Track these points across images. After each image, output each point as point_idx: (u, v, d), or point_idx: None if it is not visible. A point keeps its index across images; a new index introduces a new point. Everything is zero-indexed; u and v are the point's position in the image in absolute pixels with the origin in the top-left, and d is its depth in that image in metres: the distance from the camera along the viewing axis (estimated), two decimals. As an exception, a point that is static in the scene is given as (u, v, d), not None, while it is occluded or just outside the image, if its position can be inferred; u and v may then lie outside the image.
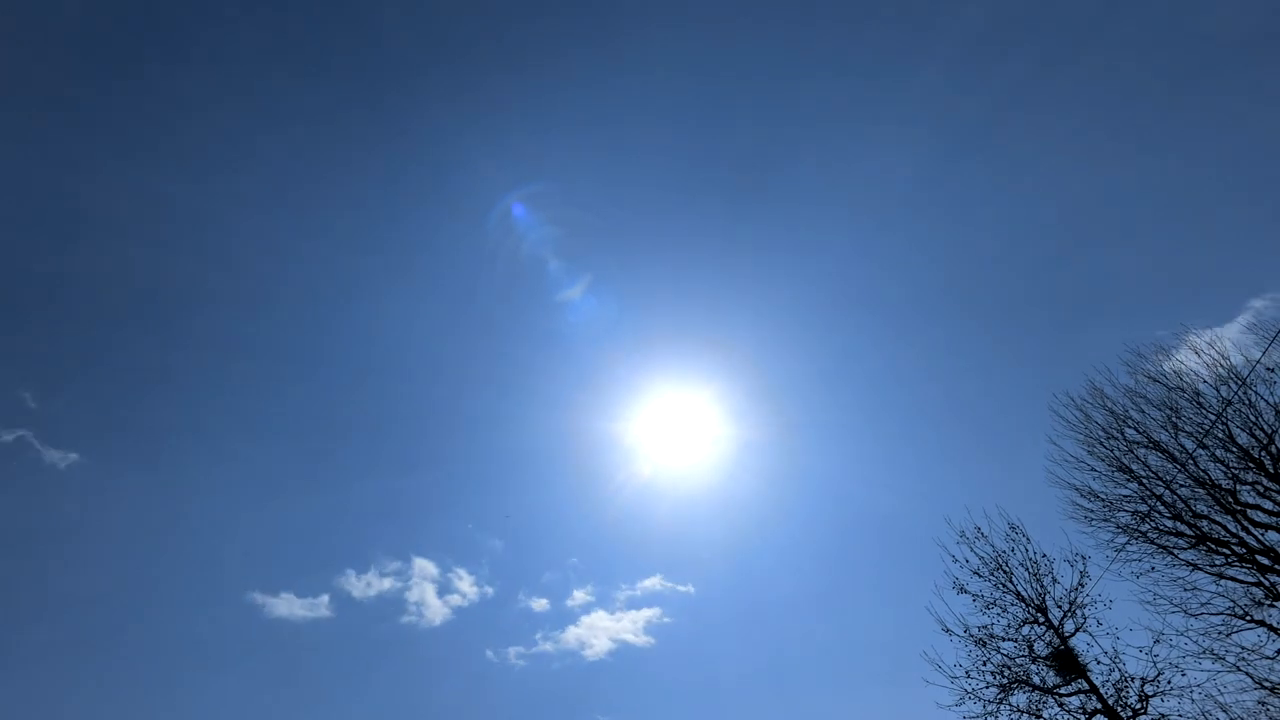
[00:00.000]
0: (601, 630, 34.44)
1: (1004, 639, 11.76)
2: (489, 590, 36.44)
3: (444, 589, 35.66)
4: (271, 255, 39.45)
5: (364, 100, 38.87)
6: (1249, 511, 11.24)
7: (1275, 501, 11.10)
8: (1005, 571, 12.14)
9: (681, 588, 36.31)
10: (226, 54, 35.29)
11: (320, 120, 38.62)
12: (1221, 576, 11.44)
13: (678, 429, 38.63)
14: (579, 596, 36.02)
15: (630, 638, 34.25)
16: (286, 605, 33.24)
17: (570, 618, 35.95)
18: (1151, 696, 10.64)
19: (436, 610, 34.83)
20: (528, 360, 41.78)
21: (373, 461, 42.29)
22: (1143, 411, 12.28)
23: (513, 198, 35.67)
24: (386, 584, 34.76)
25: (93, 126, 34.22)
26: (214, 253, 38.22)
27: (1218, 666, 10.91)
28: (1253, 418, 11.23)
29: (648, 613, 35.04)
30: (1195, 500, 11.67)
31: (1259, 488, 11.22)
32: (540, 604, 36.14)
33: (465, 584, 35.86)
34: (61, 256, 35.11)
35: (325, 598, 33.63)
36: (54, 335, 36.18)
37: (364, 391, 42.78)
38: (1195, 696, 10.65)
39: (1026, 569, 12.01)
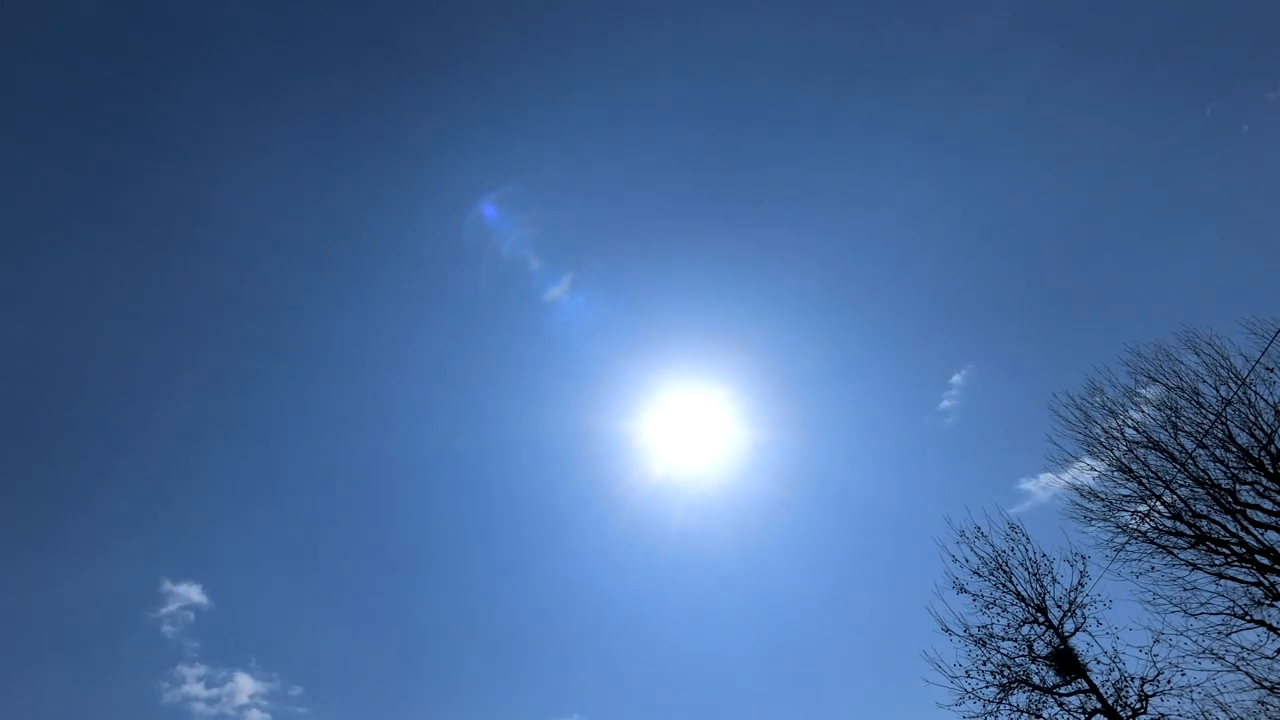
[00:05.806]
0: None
1: (1004, 639, 11.75)
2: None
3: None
4: (261, 256, 39.50)
5: (345, 103, 38.77)
6: (1249, 511, 11.25)
7: (1275, 501, 11.11)
8: (1005, 571, 12.13)
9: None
10: (210, 57, 35.37)
11: (305, 122, 38.60)
12: (1221, 576, 11.45)
13: (680, 429, 38.53)
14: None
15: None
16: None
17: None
18: (1151, 696, 10.63)
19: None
20: (522, 361, 41.71)
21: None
22: (1143, 411, 12.29)
23: (486, 200, 35.55)
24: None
25: (85, 123, 34.32)
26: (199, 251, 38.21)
27: (1217, 666, 10.93)
28: (1252, 418, 11.24)
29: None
30: (1195, 500, 11.68)
31: (1259, 487, 11.22)
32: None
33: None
34: (61, 254, 35.22)
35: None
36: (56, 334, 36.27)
37: (360, 398, 42.75)
38: (1195, 696, 10.66)
39: (1026, 569, 12.01)
